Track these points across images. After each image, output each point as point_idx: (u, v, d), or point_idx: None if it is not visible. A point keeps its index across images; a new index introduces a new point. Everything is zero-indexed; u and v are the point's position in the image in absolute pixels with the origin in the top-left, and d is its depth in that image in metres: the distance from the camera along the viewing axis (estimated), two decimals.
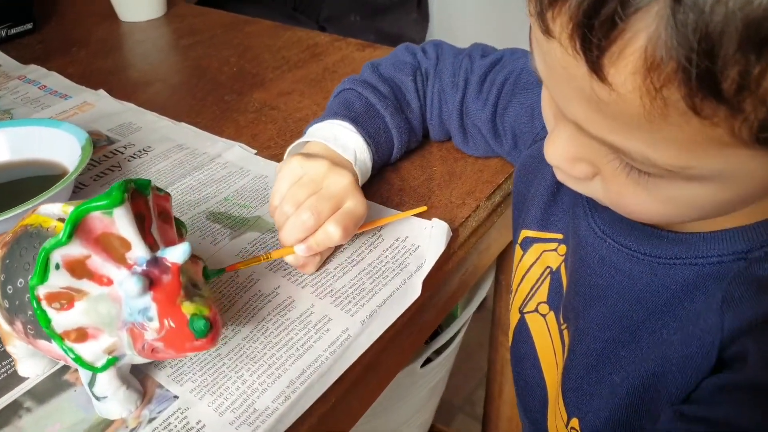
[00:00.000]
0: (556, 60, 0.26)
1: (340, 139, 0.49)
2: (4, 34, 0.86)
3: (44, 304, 0.32)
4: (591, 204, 0.40)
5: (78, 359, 0.33)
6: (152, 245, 0.33)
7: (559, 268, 0.44)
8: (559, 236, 0.45)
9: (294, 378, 0.38)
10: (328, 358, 0.39)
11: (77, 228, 0.31)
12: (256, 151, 0.60)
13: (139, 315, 0.32)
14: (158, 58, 0.83)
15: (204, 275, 0.39)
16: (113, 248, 0.32)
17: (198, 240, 0.49)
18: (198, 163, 0.58)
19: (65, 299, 0.32)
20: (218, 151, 0.60)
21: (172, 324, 0.32)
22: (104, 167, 0.58)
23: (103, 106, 0.68)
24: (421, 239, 0.48)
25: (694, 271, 0.34)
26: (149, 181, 0.34)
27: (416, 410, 0.90)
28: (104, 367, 0.34)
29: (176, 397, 0.37)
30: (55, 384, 0.39)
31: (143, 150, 0.60)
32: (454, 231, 0.50)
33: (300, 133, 0.63)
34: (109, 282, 0.32)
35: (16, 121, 0.55)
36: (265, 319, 0.42)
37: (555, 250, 0.45)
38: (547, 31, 0.26)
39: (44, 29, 0.91)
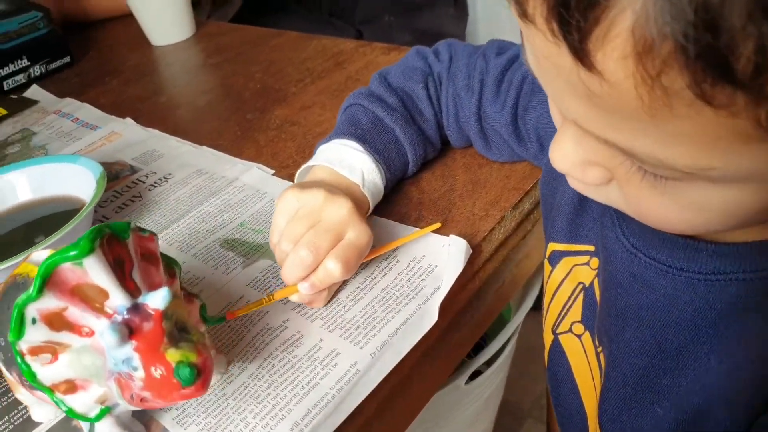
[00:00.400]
0: (539, 49, 0.22)
1: (347, 160, 0.46)
2: (43, 70, 0.89)
3: (28, 359, 0.31)
4: (619, 213, 0.35)
5: (70, 411, 0.33)
6: (133, 291, 0.32)
7: (592, 283, 0.40)
8: (590, 248, 0.40)
9: (298, 419, 0.36)
10: (335, 396, 0.37)
11: (48, 281, 0.30)
12: (274, 171, 0.58)
13: (123, 365, 0.31)
14: (185, 80, 0.84)
15: (201, 315, 0.38)
16: (90, 298, 0.31)
17: (211, 270, 0.48)
18: (216, 188, 0.57)
19: (49, 352, 0.31)
20: (236, 174, 0.59)
21: (157, 373, 0.31)
22: (126, 198, 0.58)
23: (129, 135, 0.69)
24: (439, 258, 0.45)
25: (743, 287, 0.29)
26: (127, 224, 0.33)
27: (470, 423, 0.87)
28: (98, 418, 0.33)
29: None
30: (66, 429, 0.38)
31: (164, 178, 0.60)
32: (477, 246, 0.46)
33: None
34: (91, 333, 0.31)
35: (35, 159, 0.55)
36: (271, 356, 0.40)
37: (587, 263, 0.41)
38: (524, 15, 0.22)
39: (81, 62, 0.93)
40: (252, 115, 0.70)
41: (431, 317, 0.41)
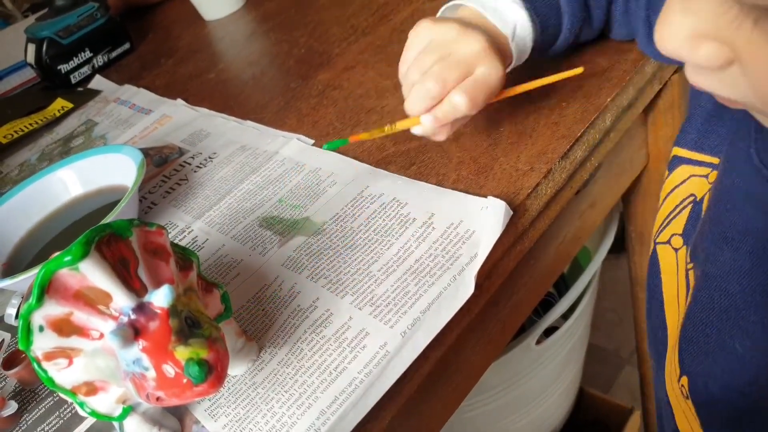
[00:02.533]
0: None
1: (500, 9, 0.43)
2: (106, 59, 0.91)
3: (44, 365, 0.31)
4: (759, 128, 0.31)
5: (93, 413, 0.33)
6: (139, 290, 0.31)
7: (703, 198, 0.36)
8: (714, 161, 0.37)
9: (325, 408, 0.34)
10: (363, 381, 0.35)
11: (48, 288, 0.29)
12: (313, 141, 0.56)
13: (134, 365, 0.31)
14: (233, 53, 0.83)
15: (224, 303, 0.37)
16: (94, 301, 0.30)
17: (248, 252, 0.47)
18: (257, 164, 0.56)
19: (63, 357, 0.31)
20: (276, 147, 0.57)
21: (168, 372, 0.30)
22: (173, 182, 0.59)
23: (179, 117, 0.69)
24: (477, 223, 0.41)
25: None
26: (129, 222, 0.32)
27: (552, 379, 0.83)
28: (122, 417, 0.33)
29: None
30: (107, 424, 0.39)
31: (209, 158, 0.60)
32: (520, 205, 0.42)
33: (358, 112, 0.58)
34: (100, 335, 0.31)
35: (82, 153, 0.57)
36: (300, 339, 0.38)
37: (706, 176, 0.37)
38: None
39: (141, 46, 0.95)
40: (295, 83, 0.67)
41: (467, 289, 0.38)
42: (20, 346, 0.30)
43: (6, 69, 0.95)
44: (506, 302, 0.46)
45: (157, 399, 0.32)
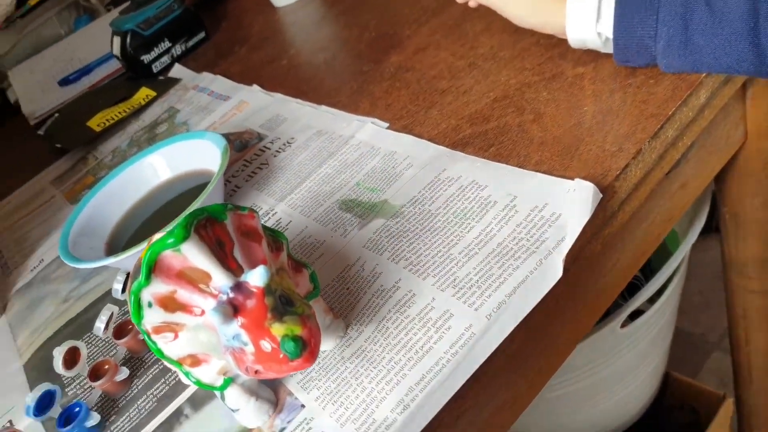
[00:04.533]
0: None
1: None
2: (183, 48, 0.94)
3: (154, 338, 0.33)
4: None
5: (198, 382, 0.35)
6: (235, 270, 0.33)
7: None
8: None
9: (413, 384, 0.35)
10: (450, 360, 0.35)
11: (154, 268, 0.31)
12: (387, 124, 0.57)
13: (234, 341, 0.32)
14: (304, 39, 0.84)
15: (312, 282, 0.38)
16: (195, 280, 0.32)
17: (330, 233, 0.48)
18: (334, 149, 0.57)
19: (170, 331, 0.33)
20: (352, 131, 0.58)
21: (265, 347, 0.32)
22: (254, 167, 0.61)
23: (256, 102, 0.71)
24: (563, 206, 0.40)
25: None
26: (224, 205, 0.34)
27: (636, 364, 0.81)
28: (223, 387, 0.35)
29: (303, 406, 0.37)
30: (208, 392, 0.41)
31: (287, 143, 0.61)
32: (608, 187, 0.41)
33: (432, 93, 0.58)
34: (202, 312, 0.33)
35: (169, 139, 0.59)
36: (385, 318, 0.39)
37: None
38: None
39: (216, 35, 0.98)
40: (367, 66, 0.68)
41: (554, 273, 0.38)
42: (133, 320, 0.32)
43: (95, 61, 1.00)
44: (592, 286, 0.46)
45: (256, 372, 0.33)
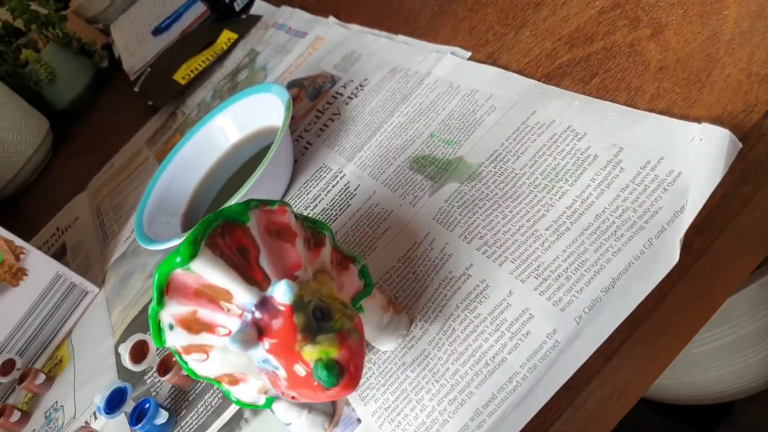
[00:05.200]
0: None
1: None
2: None
3: (185, 358, 0.30)
4: None
5: (238, 402, 0.31)
6: (261, 282, 0.28)
7: None
8: None
9: (480, 407, 0.29)
10: (526, 377, 0.28)
11: (168, 289, 0.27)
12: (469, 53, 0.47)
13: (265, 364, 0.28)
14: None
15: (362, 276, 0.32)
16: (215, 299, 0.28)
17: (399, 201, 0.41)
18: (408, 90, 0.49)
19: (199, 351, 0.29)
20: (428, 67, 0.49)
21: (300, 372, 0.27)
22: (326, 118, 0.55)
23: (332, 37, 0.64)
24: (684, 161, 0.30)
25: None
26: (245, 205, 0.28)
27: None
28: (267, 405, 0.32)
29: (359, 420, 0.32)
30: None
31: (360, 86, 0.54)
32: (753, 127, 0.30)
33: (524, 8, 0.47)
34: (229, 332, 0.28)
35: (234, 97, 0.55)
36: (452, 316, 0.33)
37: None
38: None
39: None
40: None
41: (668, 257, 0.28)
42: (156, 345, 0.29)
43: (183, 5, 0.98)
44: (727, 262, 0.35)
45: (293, 397, 0.29)
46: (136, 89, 0.83)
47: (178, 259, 0.26)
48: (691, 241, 0.29)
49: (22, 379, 0.55)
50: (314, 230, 0.31)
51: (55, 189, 0.90)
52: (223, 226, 0.28)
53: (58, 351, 0.59)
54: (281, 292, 0.26)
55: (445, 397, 0.30)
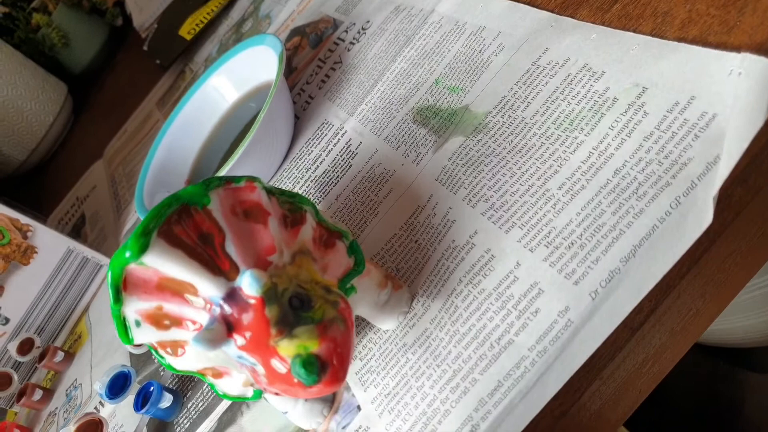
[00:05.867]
0: None
1: None
2: None
3: (161, 353, 0.28)
4: None
5: (225, 396, 0.29)
6: (229, 271, 0.25)
7: None
8: None
9: (485, 396, 0.26)
10: (535, 362, 0.25)
11: (126, 285, 0.25)
12: None
13: (242, 360, 0.25)
14: None
15: (351, 253, 0.29)
16: (180, 292, 0.25)
17: (401, 160, 0.37)
18: (411, 31, 0.44)
19: (173, 347, 0.27)
20: (433, 3, 0.44)
21: (279, 368, 0.24)
22: (327, 68, 0.50)
23: None
24: (720, 99, 0.25)
25: None
26: (203, 185, 0.25)
27: None
28: (255, 396, 0.29)
29: (359, 408, 0.30)
30: None
31: (362, 29, 0.49)
32: None
33: None
34: (200, 327, 0.26)
35: (226, 54, 0.51)
36: (454, 292, 0.29)
37: None
38: None
39: None
40: None
41: (700, 218, 0.24)
42: (123, 342, 0.27)
43: None
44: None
45: (276, 393, 0.26)
46: (145, 48, 0.80)
47: (128, 254, 0.23)
48: (731, 193, 0.25)
49: (41, 357, 0.55)
50: (293, 206, 0.28)
51: (76, 157, 0.90)
52: (180, 212, 0.25)
53: (76, 327, 0.58)
54: (247, 284, 0.24)
55: (447, 384, 0.27)
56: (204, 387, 0.39)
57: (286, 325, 0.24)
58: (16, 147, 0.95)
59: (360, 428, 0.29)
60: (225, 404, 0.37)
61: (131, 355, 0.48)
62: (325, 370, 0.23)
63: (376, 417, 0.29)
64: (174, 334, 0.26)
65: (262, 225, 0.26)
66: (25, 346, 0.55)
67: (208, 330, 0.24)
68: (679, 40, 0.28)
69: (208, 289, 0.24)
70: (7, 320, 0.57)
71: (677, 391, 0.71)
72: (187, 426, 0.39)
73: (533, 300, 0.26)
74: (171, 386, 0.41)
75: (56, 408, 0.53)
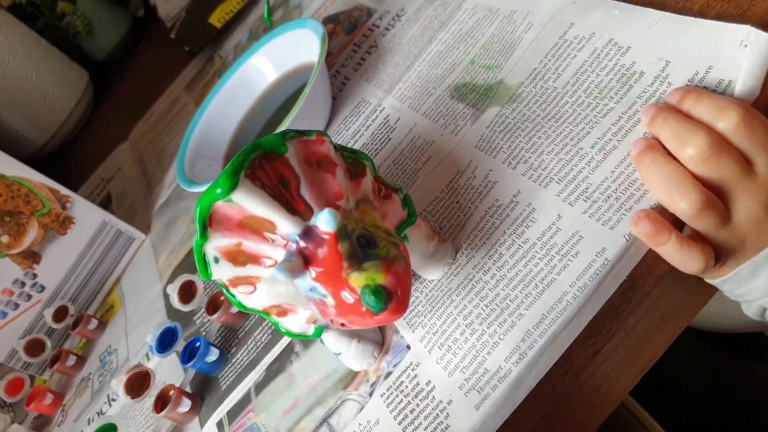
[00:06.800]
0: None
1: None
2: None
3: (232, 291, 0.31)
4: None
5: (288, 333, 0.32)
6: (304, 212, 0.28)
7: None
8: None
9: (530, 328, 0.29)
10: (576, 296, 0.28)
11: (211, 221, 0.28)
12: None
13: (312, 293, 0.28)
14: None
15: (405, 205, 0.32)
16: (259, 230, 0.28)
17: (440, 131, 0.40)
18: (446, 17, 0.47)
19: (246, 284, 0.30)
20: None
21: (347, 299, 0.27)
22: (363, 51, 0.54)
23: None
24: (734, 67, 0.28)
25: None
26: (281, 136, 0.28)
27: None
28: (316, 335, 0.32)
29: (409, 347, 0.33)
30: None
31: (396, 16, 0.53)
32: None
33: None
34: (275, 263, 0.29)
35: (269, 35, 0.54)
36: (499, 242, 0.32)
37: None
38: None
39: None
40: None
41: None
42: (202, 278, 0.30)
43: None
44: None
45: (342, 324, 0.29)
46: (173, 36, 0.83)
47: (218, 191, 0.26)
48: None
49: (75, 325, 0.57)
50: (354, 160, 0.31)
51: (98, 141, 0.92)
52: (262, 157, 0.28)
53: (108, 297, 0.61)
54: (324, 221, 0.26)
55: (495, 320, 0.30)
56: (249, 342, 0.42)
57: (356, 260, 0.27)
58: (37, 131, 0.97)
59: (411, 365, 0.32)
60: (272, 356, 0.40)
61: (169, 318, 0.51)
62: (391, 300, 0.26)
63: (426, 353, 0.32)
64: (249, 270, 0.29)
65: (330, 174, 0.29)
66: (60, 314, 0.58)
67: (288, 261, 0.27)
68: (699, 17, 0.31)
69: (286, 226, 0.27)
70: (43, 288, 0.60)
71: (683, 375, 0.74)
72: (232, 379, 0.41)
73: (574, 245, 0.29)
74: (215, 343, 0.44)
75: (90, 373, 0.55)
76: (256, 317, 0.43)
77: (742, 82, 0.28)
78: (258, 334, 0.42)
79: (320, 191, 0.29)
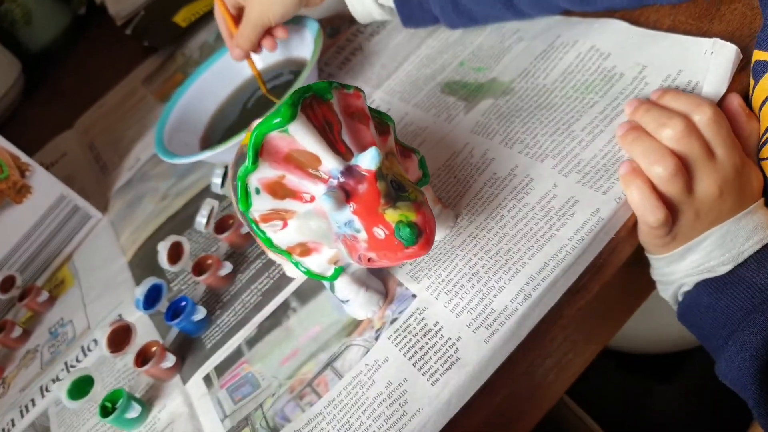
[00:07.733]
0: None
1: None
2: None
3: (262, 226, 0.32)
4: None
5: (308, 272, 0.34)
6: (345, 153, 0.31)
7: None
8: None
9: (534, 273, 0.33)
10: (575, 247, 0.32)
11: (261, 151, 0.29)
12: None
13: (346, 227, 0.31)
14: None
15: (421, 168, 0.36)
16: (304, 164, 0.30)
17: (432, 119, 0.45)
18: (433, 27, 0.52)
19: (278, 219, 0.32)
20: None
21: (379, 234, 0.30)
22: (347, 52, 0.57)
23: None
24: (701, 71, 0.35)
25: None
26: (329, 83, 0.31)
27: None
28: (333, 276, 0.34)
29: (414, 296, 0.36)
30: (314, 284, 0.41)
31: (381, 24, 0.57)
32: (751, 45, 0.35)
33: None
34: (312, 198, 0.31)
35: None
36: (500, 206, 0.36)
37: None
38: None
39: None
40: None
41: None
42: (240, 208, 0.31)
43: None
44: None
45: (369, 260, 0.32)
46: (128, 32, 0.83)
47: (277, 120, 0.29)
48: None
49: (22, 297, 0.54)
50: (380, 120, 0.34)
51: (33, 129, 0.89)
52: (313, 98, 0.30)
53: (58, 272, 0.59)
54: (369, 158, 0.29)
55: (500, 269, 0.34)
56: (236, 304, 0.43)
57: (391, 198, 0.30)
58: None
59: (417, 310, 0.35)
60: (263, 315, 0.41)
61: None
62: (421, 235, 0.29)
63: (433, 299, 0.35)
64: (286, 204, 0.31)
65: (365, 126, 0.32)
66: (6, 284, 0.55)
67: (333, 191, 0.29)
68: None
69: (330, 162, 0.30)
70: None
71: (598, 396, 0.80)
72: (218, 338, 0.42)
73: (570, 208, 0.34)
74: (200, 304, 0.44)
75: (37, 345, 0.52)
76: (243, 282, 0.44)
77: (709, 83, 0.34)
78: (246, 296, 0.43)
79: (357, 138, 0.32)
